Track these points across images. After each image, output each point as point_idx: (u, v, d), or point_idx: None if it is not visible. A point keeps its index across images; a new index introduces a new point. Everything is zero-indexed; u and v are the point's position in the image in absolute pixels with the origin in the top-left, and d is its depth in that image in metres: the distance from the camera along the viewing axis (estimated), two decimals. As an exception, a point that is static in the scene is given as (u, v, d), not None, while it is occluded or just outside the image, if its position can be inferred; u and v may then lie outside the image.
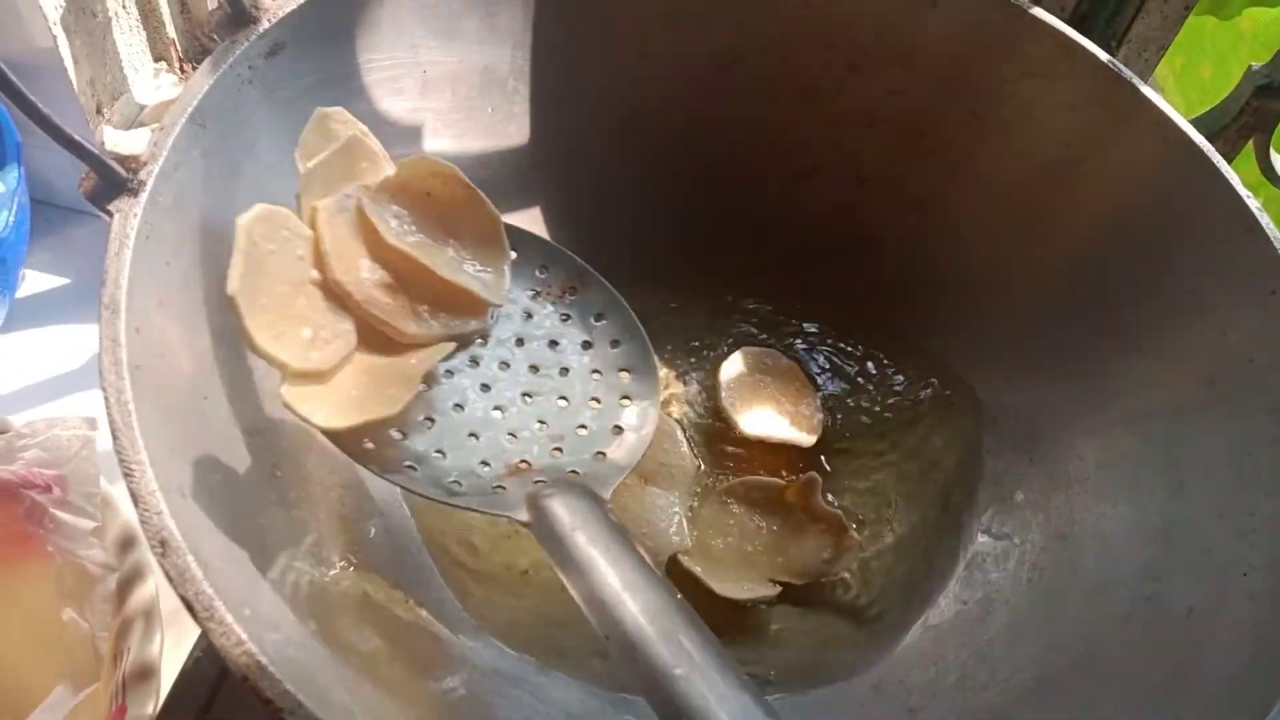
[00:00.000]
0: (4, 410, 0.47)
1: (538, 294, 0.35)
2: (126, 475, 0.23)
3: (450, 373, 0.32)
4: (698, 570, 0.36)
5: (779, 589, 0.36)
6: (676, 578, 0.36)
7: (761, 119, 0.42)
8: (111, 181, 0.27)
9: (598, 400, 0.34)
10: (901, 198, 0.42)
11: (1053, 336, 0.39)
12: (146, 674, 0.35)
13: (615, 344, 0.35)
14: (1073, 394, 0.38)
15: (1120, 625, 0.31)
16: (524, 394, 0.33)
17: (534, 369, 0.33)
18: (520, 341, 0.34)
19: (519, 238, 0.34)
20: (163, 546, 0.22)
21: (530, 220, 0.42)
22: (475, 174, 0.32)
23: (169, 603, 0.38)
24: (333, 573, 0.30)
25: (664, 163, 0.42)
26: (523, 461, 0.31)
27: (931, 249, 0.42)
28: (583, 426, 0.33)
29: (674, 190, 0.42)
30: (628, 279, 0.36)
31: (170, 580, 0.22)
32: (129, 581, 0.37)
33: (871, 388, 0.42)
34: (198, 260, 0.29)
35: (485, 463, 0.31)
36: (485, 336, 0.33)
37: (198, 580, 0.22)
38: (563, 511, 0.29)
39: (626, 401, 0.34)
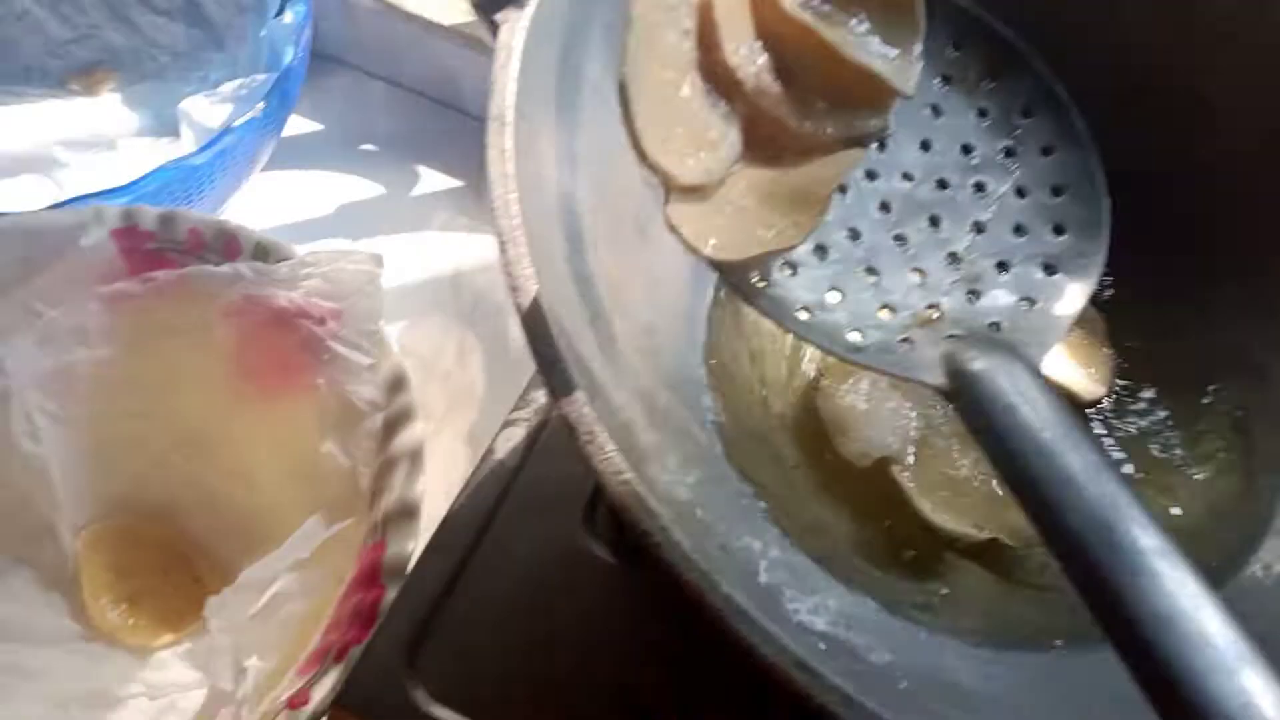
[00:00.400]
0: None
1: (949, 80, 0.28)
2: (513, 290, 0.22)
3: (842, 187, 0.26)
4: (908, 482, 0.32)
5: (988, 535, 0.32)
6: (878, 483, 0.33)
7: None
8: (496, -9, 0.26)
9: (1023, 229, 0.27)
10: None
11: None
12: (409, 513, 0.36)
13: (1046, 151, 0.28)
14: None
15: None
16: (930, 218, 0.27)
17: (941, 184, 0.27)
18: (925, 146, 0.27)
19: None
20: (548, 369, 0.22)
21: None
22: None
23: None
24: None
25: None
26: (932, 307, 0.26)
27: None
28: (1004, 265, 0.27)
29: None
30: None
31: (554, 396, 0.21)
32: (395, 422, 0.37)
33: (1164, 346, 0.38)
34: (584, 77, 0.28)
35: (888, 307, 0.26)
36: (884, 138, 0.27)
37: (579, 402, 0.21)
38: (998, 381, 0.24)
39: (1060, 234, 0.27)
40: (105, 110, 0.53)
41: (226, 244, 0.39)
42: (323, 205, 0.53)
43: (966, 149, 0.28)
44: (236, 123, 0.44)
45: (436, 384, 0.49)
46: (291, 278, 0.38)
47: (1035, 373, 0.24)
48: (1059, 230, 0.27)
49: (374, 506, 0.36)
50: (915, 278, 0.26)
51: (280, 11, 0.48)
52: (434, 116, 0.56)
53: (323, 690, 0.33)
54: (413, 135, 0.56)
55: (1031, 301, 0.26)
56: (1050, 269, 0.27)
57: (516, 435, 0.36)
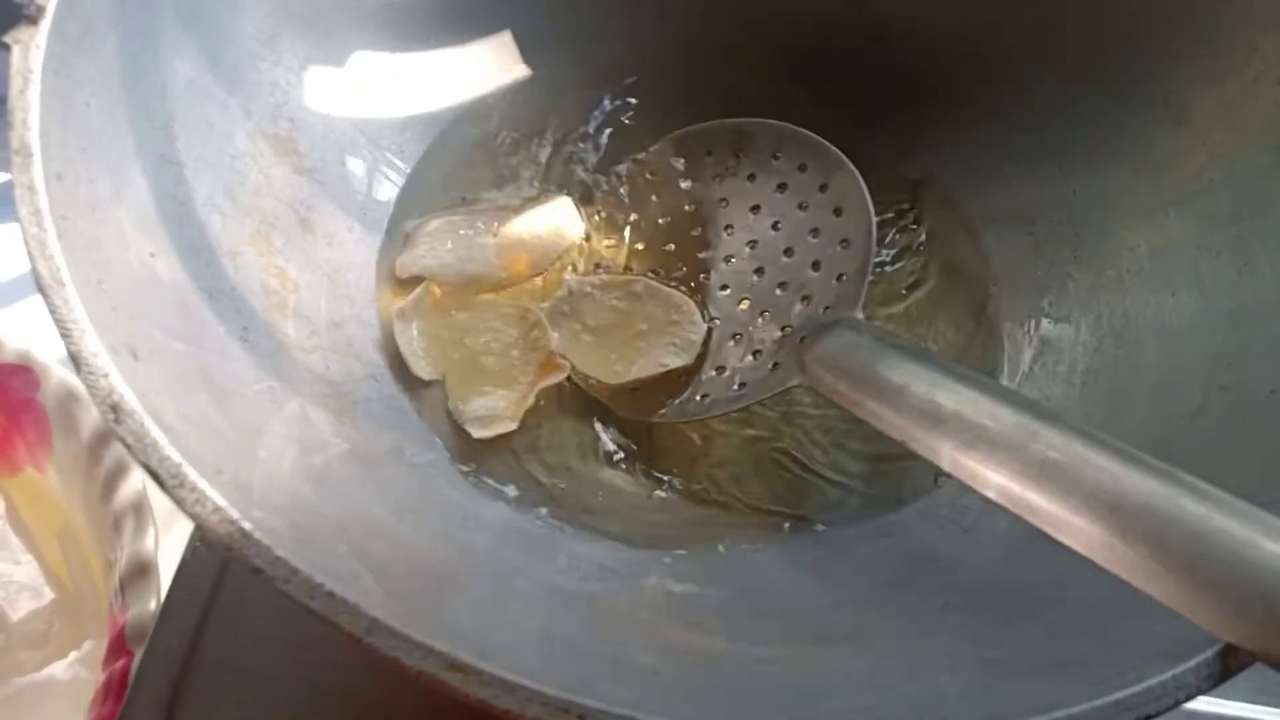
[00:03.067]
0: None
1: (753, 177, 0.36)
2: (65, 336, 0.20)
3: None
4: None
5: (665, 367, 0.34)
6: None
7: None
8: (5, 9, 0.23)
9: (818, 231, 0.34)
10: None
11: (1088, 121, 0.35)
12: (143, 570, 0.33)
13: (823, 188, 0.34)
14: (1116, 180, 0.34)
15: (1194, 419, 0.28)
16: (756, 270, 0.35)
17: (753, 244, 0.35)
18: (755, 208, 0.36)
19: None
20: (115, 412, 0.19)
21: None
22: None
23: (163, 499, 0.36)
24: (322, 436, 0.27)
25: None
26: (784, 328, 0.33)
27: (949, 39, 0.37)
28: (816, 264, 0.33)
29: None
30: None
31: (129, 449, 0.19)
32: (112, 477, 0.35)
33: (882, 205, 0.38)
34: (123, 101, 0.26)
35: (757, 352, 0.33)
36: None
37: (160, 445, 0.19)
38: (828, 350, 0.30)
39: (838, 215, 0.34)
40: None
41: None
42: (22, 259, 0.49)
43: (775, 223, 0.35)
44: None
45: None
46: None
47: (857, 323, 0.30)
48: (837, 210, 0.34)
49: (111, 573, 0.34)
50: (764, 321, 0.34)
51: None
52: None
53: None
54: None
55: (840, 276, 0.32)
56: (845, 243, 0.33)
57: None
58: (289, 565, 0.18)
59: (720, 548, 0.31)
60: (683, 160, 0.37)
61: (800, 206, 0.35)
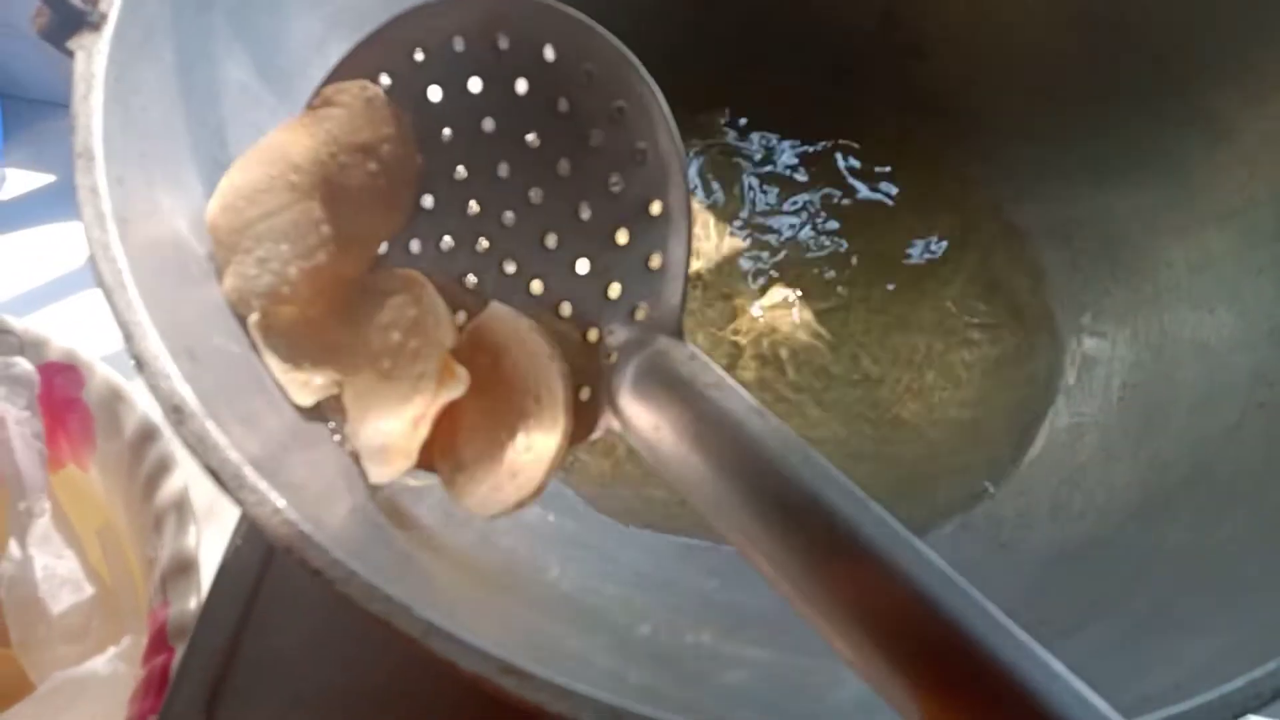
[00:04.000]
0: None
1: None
2: (127, 338, 0.20)
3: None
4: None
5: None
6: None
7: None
8: (69, 15, 0.24)
9: (618, 173, 0.24)
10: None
11: (1126, 138, 0.35)
12: (184, 567, 0.34)
13: (588, 76, 0.24)
14: (1155, 196, 0.34)
15: (1231, 435, 0.28)
16: (546, 232, 0.25)
17: (535, 188, 0.25)
18: (501, 160, 0.26)
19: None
20: (177, 413, 0.20)
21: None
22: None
23: (203, 497, 0.36)
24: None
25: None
26: (592, 329, 0.24)
27: (986, 55, 0.38)
28: (614, 234, 0.24)
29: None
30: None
31: (191, 449, 0.20)
32: (154, 476, 0.35)
33: (914, 218, 0.38)
34: (179, 107, 0.26)
35: None
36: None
37: (221, 447, 0.20)
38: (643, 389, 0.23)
39: (641, 157, 0.24)
40: None
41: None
42: (67, 261, 0.50)
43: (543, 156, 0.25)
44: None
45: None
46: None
47: (666, 354, 0.23)
48: (638, 154, 0.24)
49: (152, 571, 0.34)
50: (565, 308, 0.25)
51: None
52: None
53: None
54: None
55: (649, 260, 0.24)
56: (653, 199, 0.24)
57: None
58: (347, 568, 0.19)
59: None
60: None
61: (584, 143, 0.25)
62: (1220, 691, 0.19)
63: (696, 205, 0.38)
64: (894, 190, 0.38)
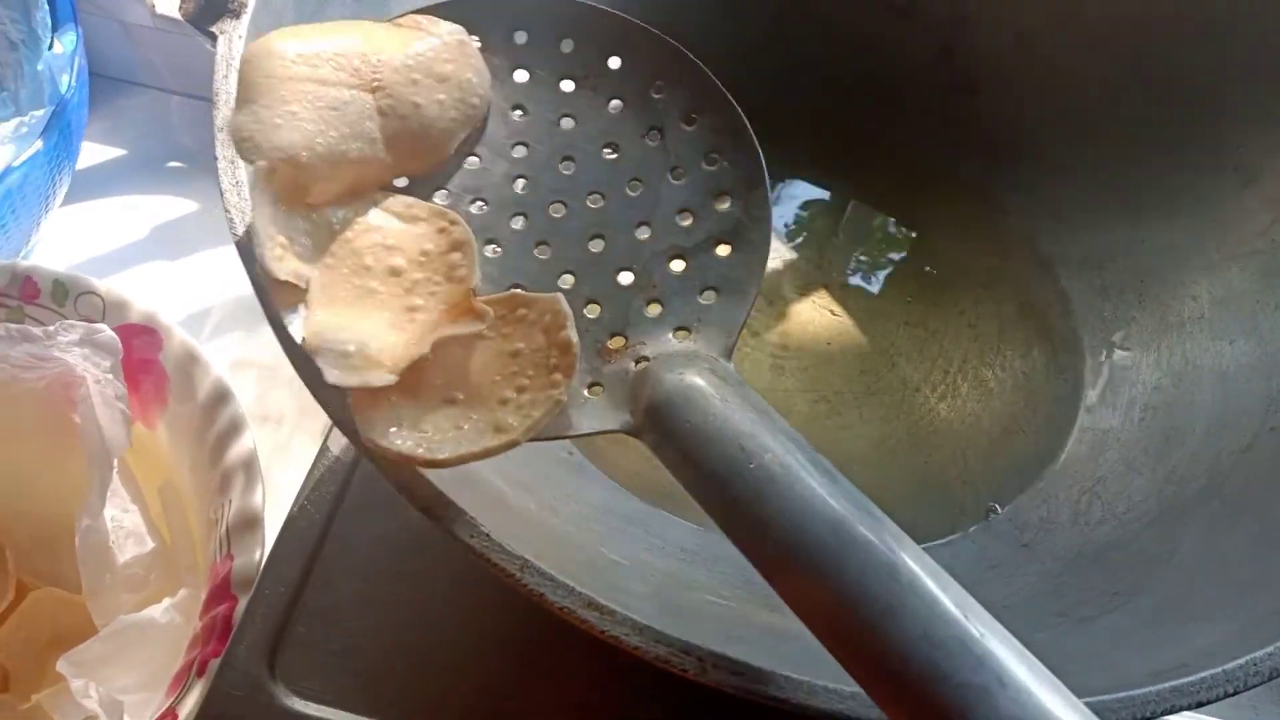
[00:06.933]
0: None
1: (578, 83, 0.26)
2: (272, 322, 0.23)
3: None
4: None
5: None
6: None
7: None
8: (213, 2, 0.26)
9: (687, 211, 0.25)
10: (1004, 35, 0.40)
11: (1160, 178, 0.38)
12: (251, 523, 0.35)
13: (690, 120, 0.25)
14: (1184, 233, 0.37)
15: (1244, 454, 0.31)
16: (594, 236, 0.25)
17: (596, 196, 0.25)
18: (568, 158, 0.26)
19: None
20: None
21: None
22: None
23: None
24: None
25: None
26: (616, 336, 0.24)
27: (1034, 94, 0.40)
28: (679, 255, 0.25)
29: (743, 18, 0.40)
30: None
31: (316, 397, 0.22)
32: (224, 436, 0.37)
33: (953, 242, 0.41)
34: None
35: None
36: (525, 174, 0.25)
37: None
38: (674, 399, 0.21)
39: (725, 200, 0.25)
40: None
41: (22, 287, 0.38)
42: (135, 230, 0.52)
43: (612, 146, 0.26)
44: (16, 162, 0.42)
45: (283, 389, 0.49)
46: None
47: (728, 377, 0.22)
48: (721, 196, 0.25)
49: (215, 528, 0.36)
50: (593, 310, 0.24)
51: (52, 43, 0.47)
52: (235, 122, 0.55)
53: (187, 707, 0.33)
54: (218, 144, 0.54)
55: (716, 290, 0.24)
56: (723, 242, 0.25)
57: (351, 432, 0.36)
58: (454, 504, 0.21)
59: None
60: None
61: (663, 178, 0.25)
62: (1223, 668, 0.21)
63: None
64: (935, 215, 0.41)
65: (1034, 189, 0.40)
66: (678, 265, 0.25)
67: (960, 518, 0.34)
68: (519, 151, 0.26)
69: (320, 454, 0.36)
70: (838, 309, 0.38)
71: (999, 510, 0.34)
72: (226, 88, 0.25)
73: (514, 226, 0.25)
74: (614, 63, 0.26)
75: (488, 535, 0.21)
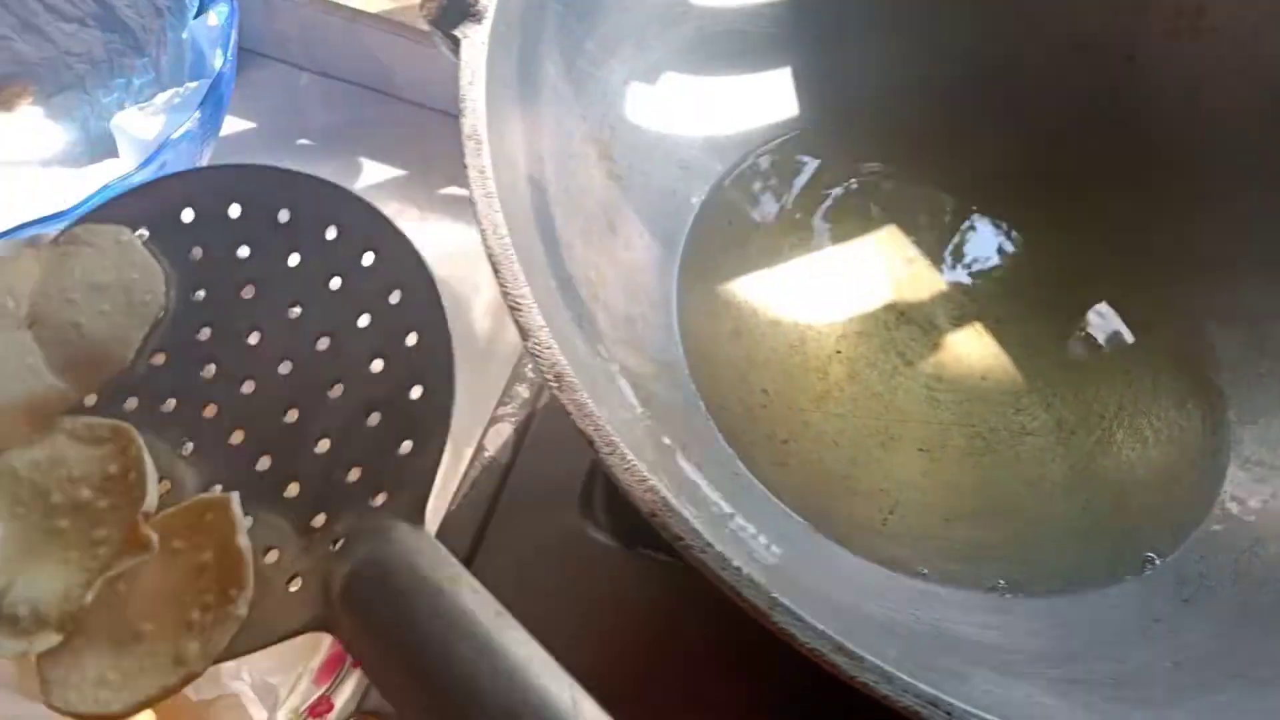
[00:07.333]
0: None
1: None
2: (513, 309, 0.23)
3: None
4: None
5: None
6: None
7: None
8: (456, 6, 0.26)
9: (383, 356, 0.25)
10: (1171, 78, 0.40)
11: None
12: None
13: (365, 254, 0.25)
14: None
15: None
16: (289, 407, 0.24)
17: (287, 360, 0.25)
18: (256, 328, 0.25)
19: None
20: (558, 381, 0.22)
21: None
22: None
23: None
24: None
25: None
26: (318, 514, 0.23)
27: (1198, 138, 0.40)
28: (375, 408, 0.24)
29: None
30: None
31: (570, 416, 0.22)
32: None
33: (1111, 286, 0.40)
34: (515, 96, 0.29)
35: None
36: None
37: (595, 415, 0.22)
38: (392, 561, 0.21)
39: (413, 334, 0.25)
40: (26, 125, 0.52)
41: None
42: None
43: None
44: (174, 134, 0.42)
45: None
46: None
47: (416, 548, 0.22)
48: (409, 331, 0.25)
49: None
50: (293, 489, 0.23)
51: (200, 12, 0.47)
52: (368, 106, 0.55)
53: (344, 696, 0.33)
54: (349, 126, 0.54)
55: (412, 439, 0.24)
56: (415, 383, 0.24)
57: (505, 431, 0.36)
58: (703, 537, 0.21)
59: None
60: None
61: (351, 323, 0.25)
62: None
63: (904, 239, 0.40)
64: (1094, 256, 0.41)
65: (1189, 239, 0.40)
66: (374, 419, 0.24)
67: (1118, 566, 0.34)
68: (204, 333, 0.26)
69: (476, 454, 0.36)
70: (991, 342, 0.38)
71: (1156, 562, 0.34)
72: (474, 95, 0.25)
73: (207, 416, 0.25)
74: (283, 216, 0.26)
75: (739, 569, 0.21)
